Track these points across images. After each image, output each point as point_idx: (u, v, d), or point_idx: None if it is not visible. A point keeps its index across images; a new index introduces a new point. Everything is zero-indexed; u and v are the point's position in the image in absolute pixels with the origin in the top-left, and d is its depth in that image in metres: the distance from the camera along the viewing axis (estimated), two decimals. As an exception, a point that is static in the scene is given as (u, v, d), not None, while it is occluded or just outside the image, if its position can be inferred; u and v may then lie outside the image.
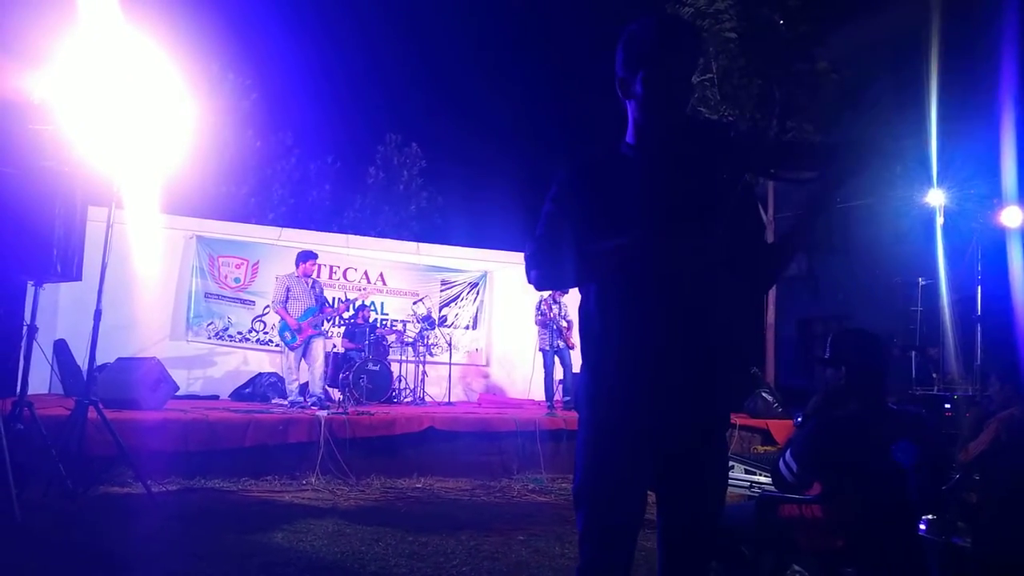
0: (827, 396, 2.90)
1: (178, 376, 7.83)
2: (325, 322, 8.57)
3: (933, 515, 3.58)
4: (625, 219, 1.73)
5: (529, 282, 1.90)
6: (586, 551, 1.78)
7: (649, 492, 1.84)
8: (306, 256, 8.18)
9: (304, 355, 7.94)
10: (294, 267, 8.18)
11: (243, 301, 10.18)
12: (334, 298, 9.77)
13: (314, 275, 8.38)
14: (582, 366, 1.89)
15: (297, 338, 7.83)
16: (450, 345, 10.38)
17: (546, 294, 9.08)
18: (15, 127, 5.15)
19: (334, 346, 9.37)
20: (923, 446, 2.63)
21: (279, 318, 8.06)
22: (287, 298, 7.94)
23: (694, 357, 1.76)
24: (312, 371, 8.01)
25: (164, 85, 5.39)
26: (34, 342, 4.81)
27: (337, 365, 8.98)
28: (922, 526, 3.41)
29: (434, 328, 10.34)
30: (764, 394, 8.69)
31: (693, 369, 1.76)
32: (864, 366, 2.82)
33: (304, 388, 8.08)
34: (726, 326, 1.82)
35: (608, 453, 1.78)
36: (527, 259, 1.88)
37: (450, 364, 10.21)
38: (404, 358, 10.20)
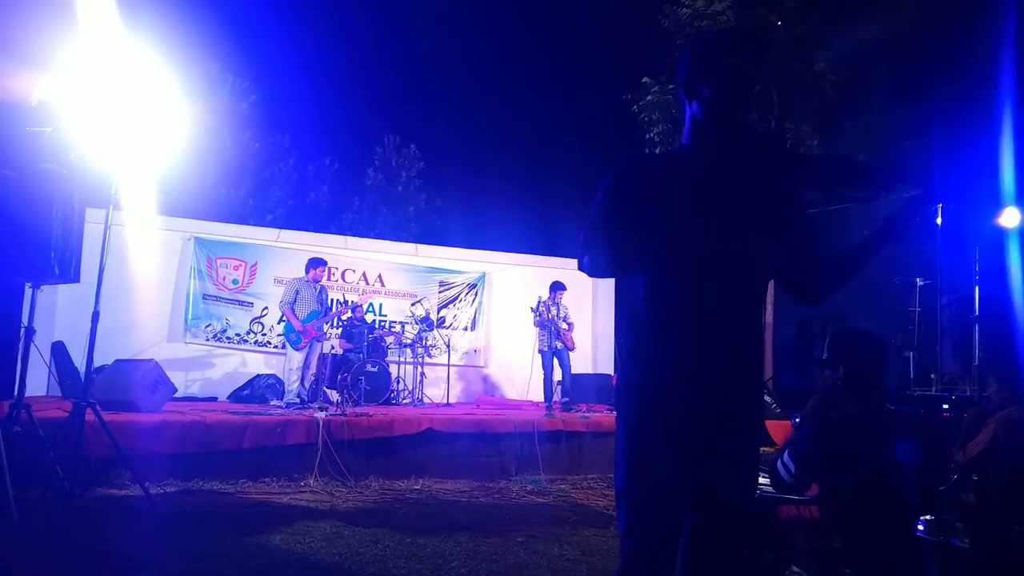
0: (825, 396, 2.90)
1: (176, 378, 7.83)
2: (325, 325, 8.72)
3: (931, 515, 3.58)
4: (679, 218, 1.77)
5: (580, 268, 1.94)
6: (629, 545, 1.80)
7: None
8: (316, 263, 8.47)
9: (308, 357, 8.19)
10: (303, 272, 8.43)
11: (241, 303, 10.18)
12: (333, 300, 9.81)
13: (323, 281, 8.61)
14: (625, 361, 1.90)
15: (302, 339, 8.05)
16: (448, 346, 10.38)
17: (545, 296, 9.10)
18: (13, 129, 5.14)
19: (332, 348, 9.37)
20: (921, 446, 2.64)
21: (283, 319, 8.35)
22: (295, 300, 8.19)
23: (738, 359, 1.81)
24: (306, 374, 8.15)
25: (162, 87, 5.39)
26: (32, 344, 4.80)
27: (335, 366, 9.00)
28: (920, 526, 3.42)
29: (432, 329, 10.34)
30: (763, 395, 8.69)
31: (736, 371, 1.81)
32: (862, 366, 2.82)
33: (302, 390, 8.12)
34: (760, 332, 1.90)
35: (653, 447, 1.80)
36: (580, 245, 1.92)
37: (448, 365, 10.22)
38: (402, 359, 10.22)
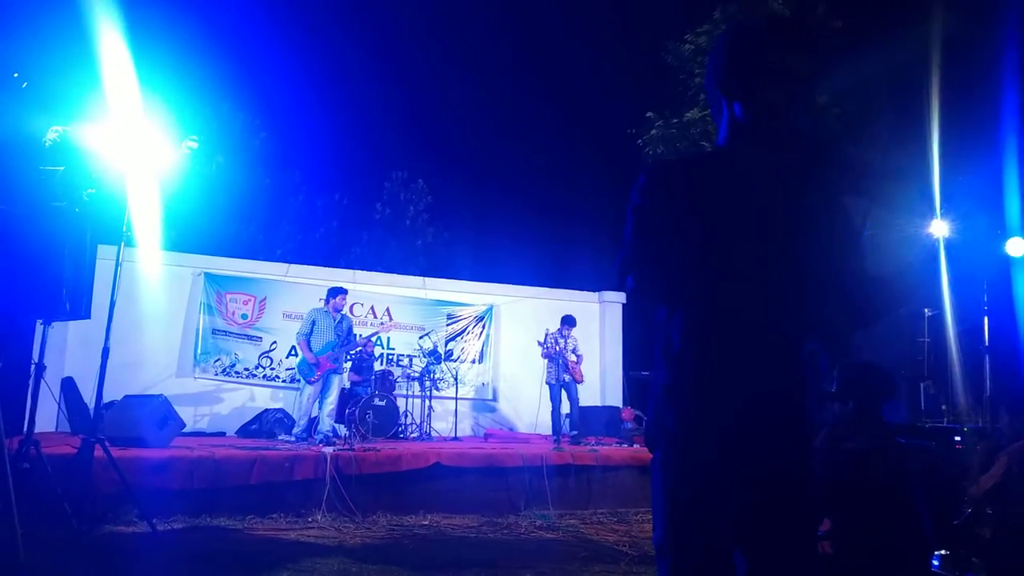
0: (834, 430, 2.89)
1: (185, 413, 7.83)
2: (345, 360, 8.59)
3: (946, 550, 3.54)
4: (717, 233, 1.61)
5: (622, 289, 1.77)
6: None
7: None
8: (335, 292, 8.41)
9: (323, 390, 8.04)
10: (319, 302, 8.46)
11: (250, 337, 10.20)
12: (358, 334, 9.76)
13: (344, 311, 8.54)
14: (660, 400, 1.68)
15: (315, 372, 7.93)
16: (456, 380, 10.35)
17: (553, 328, 9.11)
18: (26, 168, 5.23)
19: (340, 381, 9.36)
20: (934, 480, 2.62)
21: (299, 351, 8.22)
22: (311, 331, 8.10)
23: (787, 392, 1.62)
24: (323, 407, 8.05)
25: (174, 125, 5.48)
26: (42, 380, 4.83)
27: (343, 400, 8.97)
28: (935, 561, 3.37)
29: (440, 362, 10.33)
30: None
31: (785, 407, 1.62)
32: (872, 401, 2.82)
33: (312, 424, 8.07)
34: (804, 367, 1.65)
35: (699, 497, 1.60)
36: (618, 265, 1.73)
37: (456, 399, 10.17)
38: (410, 393, 10.18)
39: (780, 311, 1.59)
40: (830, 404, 2.99)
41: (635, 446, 8.24)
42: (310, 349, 8.01)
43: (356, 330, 10.05)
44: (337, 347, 8.11)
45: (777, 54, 1.63)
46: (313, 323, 8.13)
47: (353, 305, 10.82)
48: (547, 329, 9.19)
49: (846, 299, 1.64)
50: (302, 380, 8.11)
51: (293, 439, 7.86)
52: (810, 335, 1.64)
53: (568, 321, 9.13)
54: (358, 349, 9.41)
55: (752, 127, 1.68)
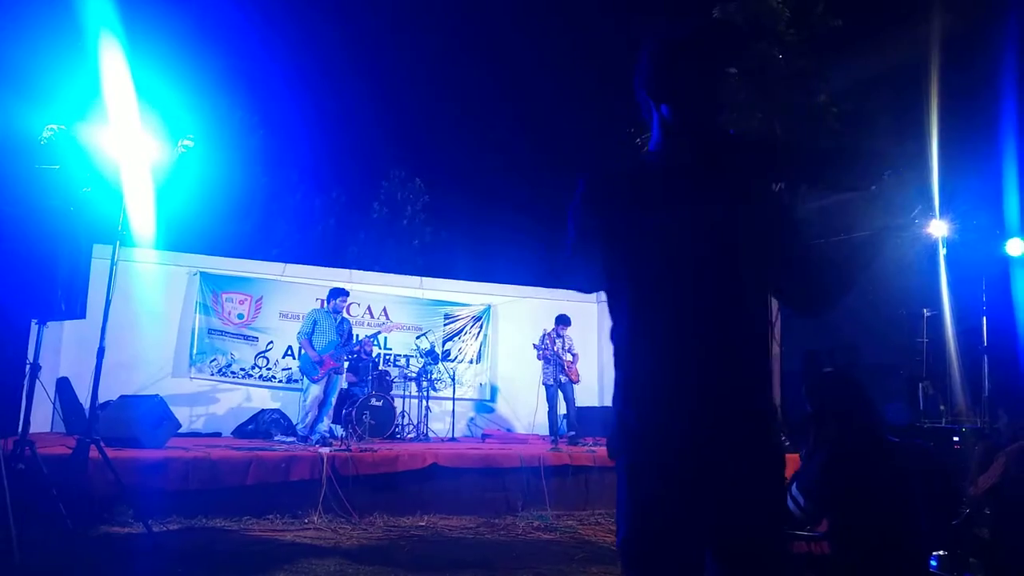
0: (828, 434, 2.88)
1: (181, 413, 7.80)
2: (344, 360, 8.57)
3: (944, 551, 3.53)
4: (646, 237, 1.66)
5: (574, 288, 1.89)
6: None
7: None
8: (336, 293, 8.43)
9: (327, 388, 8.05)
10: (317, 303, 8.47)
11: (246, 337, 10.17)
12: (357, 335, 9.73)
13: (344, 313, 8.55)
14: (618, 398, 1.70)
15: (319, 370, 7.92)
16: (453, 380, 10.33)
17: (549, 328, 9.11)
18: (21, 167, 5.20)
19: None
20: (931, 480, 2.61)
21: (300, 352, 8.24)
22: (312, 331, 8.08)
23: (728, 390, 1.61)
24: (325, 407, 8.05)
25: (170, 123, 5.46)
26: (37, 380, 4.80)
27: (340, 401, 8.95)
28: (933, 562, 3.36)
29: (437, 363, 10.31)
30: (771, 427, 8.61)
31: (740, 395, 1.62)
32: (848, 409, 2.82)
33: (313, 424, 8.05)
34: (762, 347, 1.70)
35: (663, 497, 1.59)
36: (561, 266, 1.85)
37: (454, 399, 10.15)
38: (407, 393, 10.15)
39: (719, 303, 1.63)
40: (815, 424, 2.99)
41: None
42: (313, 348, 7.99)
43: (354, 331, 10.04)
44: (338, 347, 8.10)
45: (698, 57, 1.72)
46: (315, 323, 8.11)
47: (350, 305, 10.78)
48: (544, 329, 9.18)
49: (791, 280, 1.72)
50: (305, 379, 8.10)
51: (295, 439, 7.84)
52: (757, 327, 1.68)
53: (562, 320, 9.13)
54: (357, 349, 9.39)
55: (680, 127, 1.76)
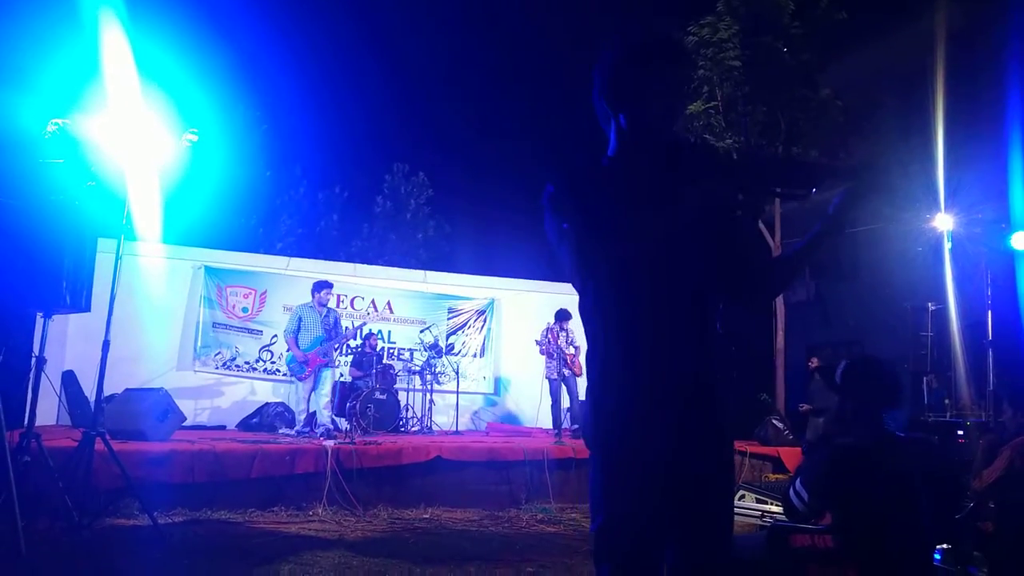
0: (833, 421, 2.88)
1: (185, 406, 7.82)
2: (334, 351, 8.54)
3: (948, 544, 3.53)
4: (608, 238, 1.73)
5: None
6: None
7: None
8: (320, 286, 8.26)
9: (314, 386, 7.98)
10: (309, 296, 8.24)
11: (251, 331, 10.20)
12: (346, 327, 9.76)
13: (330, 304, 8.44)
14: (596, 384, 1.81)
15: (305, 369, 7.87)
16: (457, 373, 10.34)
17: (552, 321, 9.12)
18: (26, 162, 5.21)
19: (341, 375, 9.35)
20: (935, 474, 2.60)
21: (287, 351, 8.15)
22: (299, 328, 8.01)
23: (684, 384, 1.72)
24: (318, 401, 8.02)
25: (174, 117, 5.46)
26: (42, 373, 4.82)
27: (344, 394, 8.97)
28: (937, 556, 3.36)
29: (441, 356, 10.32)
30: (774, 421, 8.62)
31: (684, 397, 1.71)
32: (875, 398, 2.79)
33: (311, 418, 8.07)
34: (715, 350, 1.79)
35: (633, 481, 1.71)
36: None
37: (457, 392, 10.16)
38: (411, 387, 10.18)
39: (669, 290, 1.74)
40: (828, 393, 2.99)
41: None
42: (298, 346, 7.92)
43: (356, 323, 10.04)
44: (325, 341, 8.00)
45: (656, 70, 1.78)
46: (299, 320, 8.02)
47: (354, 299, 10.82)
48: (548, 322, 9.20)
49: (731, 281, 1.84)
50: (293, 377, 8.09)
51: (294, 434, 7.85)
52: (708, 322, 1.79)
53: (562, 315, 9.14)
54: (358, 341, 9.41)
55: (637, 136, 1.84)
